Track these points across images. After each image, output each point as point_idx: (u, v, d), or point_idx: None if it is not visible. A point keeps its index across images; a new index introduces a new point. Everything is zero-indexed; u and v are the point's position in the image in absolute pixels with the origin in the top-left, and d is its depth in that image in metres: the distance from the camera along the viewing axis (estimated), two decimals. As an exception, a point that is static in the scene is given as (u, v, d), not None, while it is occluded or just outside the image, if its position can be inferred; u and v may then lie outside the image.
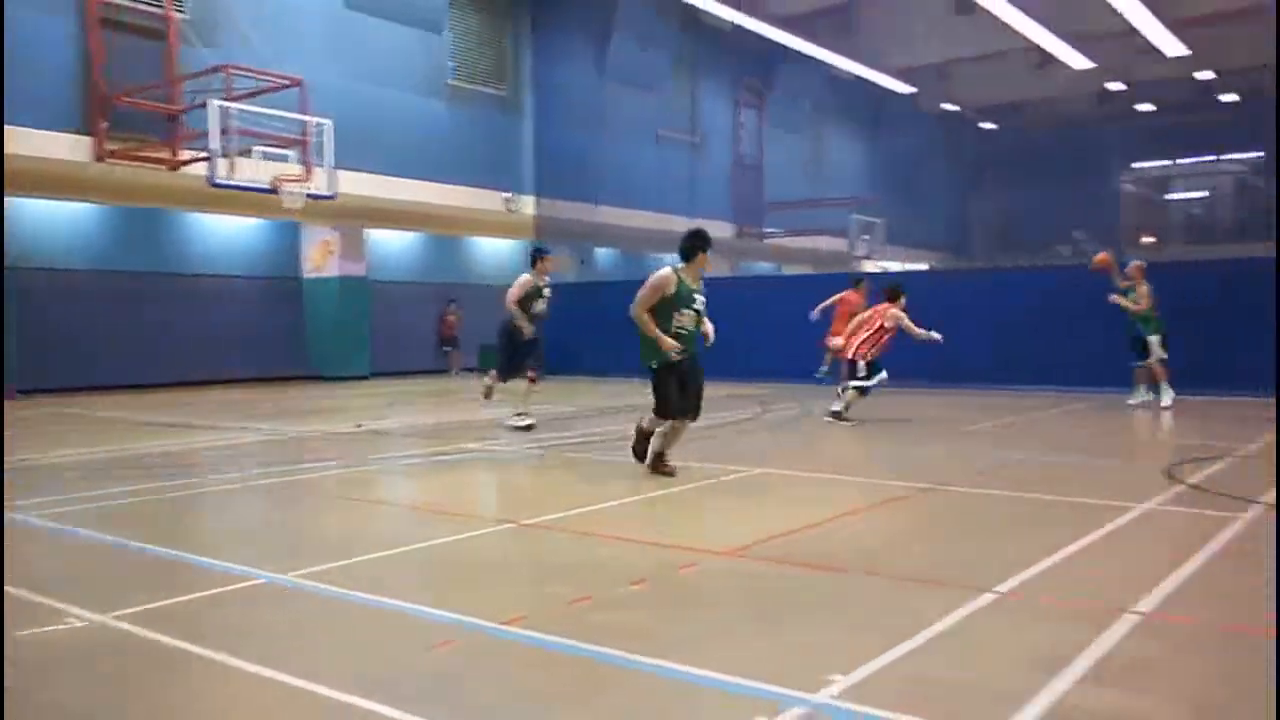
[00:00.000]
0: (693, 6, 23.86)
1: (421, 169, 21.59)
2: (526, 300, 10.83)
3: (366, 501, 7.19)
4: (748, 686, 3.30)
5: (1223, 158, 36.17)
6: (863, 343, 11.40)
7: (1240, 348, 13.83)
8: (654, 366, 7.42)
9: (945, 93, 31.99)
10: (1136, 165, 37.19)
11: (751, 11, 24.03)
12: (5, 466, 8.28)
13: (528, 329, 10.86)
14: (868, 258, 30.40)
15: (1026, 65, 27.37)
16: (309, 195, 16.68)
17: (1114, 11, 21.27)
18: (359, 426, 11.81)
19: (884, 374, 11.46)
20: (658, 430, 7.68)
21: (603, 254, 26.91)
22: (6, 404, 14.12)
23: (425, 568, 5.19)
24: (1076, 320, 15.02)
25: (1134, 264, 13.05)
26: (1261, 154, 34.48)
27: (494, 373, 11.37)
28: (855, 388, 11.40)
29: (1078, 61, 25.45)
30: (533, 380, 11.18)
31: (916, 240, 33.80)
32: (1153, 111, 32.70)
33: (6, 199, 15.97)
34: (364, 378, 21.41)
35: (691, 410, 7.60)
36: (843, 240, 30.37)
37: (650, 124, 26.97)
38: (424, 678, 3.47)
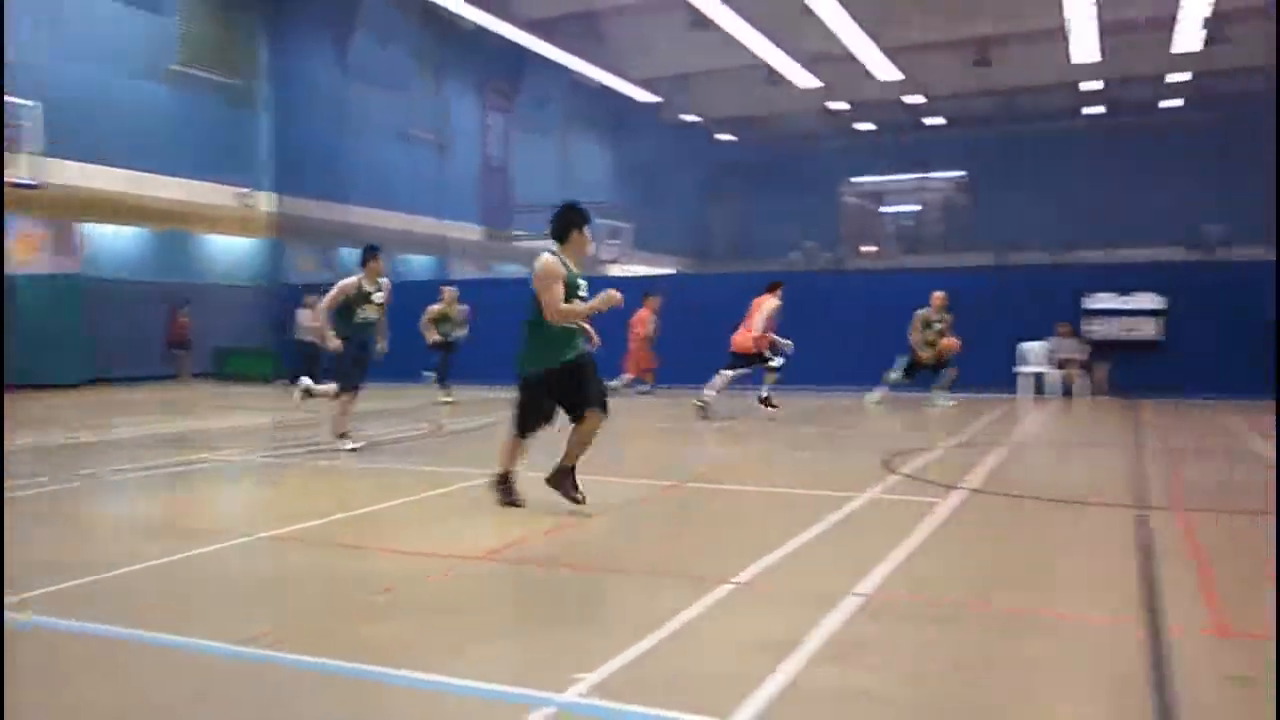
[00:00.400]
0: (434, 5, 23.53)
1: (143, 159, 20.03)
2: (348, 306, 9.46)
3: (87, 518, 6.60)
4: (500, 691, 3.31)
5: (931, 175, 39.73)
6: (760, 336, 12.46)
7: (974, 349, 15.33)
8: (538, 374, 6.20)
9: (686, 104, 33.25)
10: (856, 179, 40.16)
11: (496, 13, 24.01)
12: None
13: (334, 342, 9.38)
14: (615, 261, 31.10)
15: (759, 81, 28.92)
16: (13, 184, 15.10)
17: (834, 35, 22.92)
18: (73, 438, 10.80)
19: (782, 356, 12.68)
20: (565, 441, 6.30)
21: (352, 255, 25.98)
22: None
23: (156, 588, 4.83)
24: (816, 323, 16.00)
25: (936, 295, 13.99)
26: (964, 173, 38.23)
27: (334, 386, 9.72)
28: (772, 369, 12.52)
29: (803, 80, 27.21)
30: (339, 396, 9.65)
31: (662, 245, 34.93)
32: (871, 130, 35.44)
33: None
34: (78, 384, 19.59)
35: (599, 404, 6.23)
36: (591, 244, 30.88)
37: (397, 123, 26.36)
38: (154, 713, 3.24)
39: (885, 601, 4.39)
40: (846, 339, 16.12)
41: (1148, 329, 15.59)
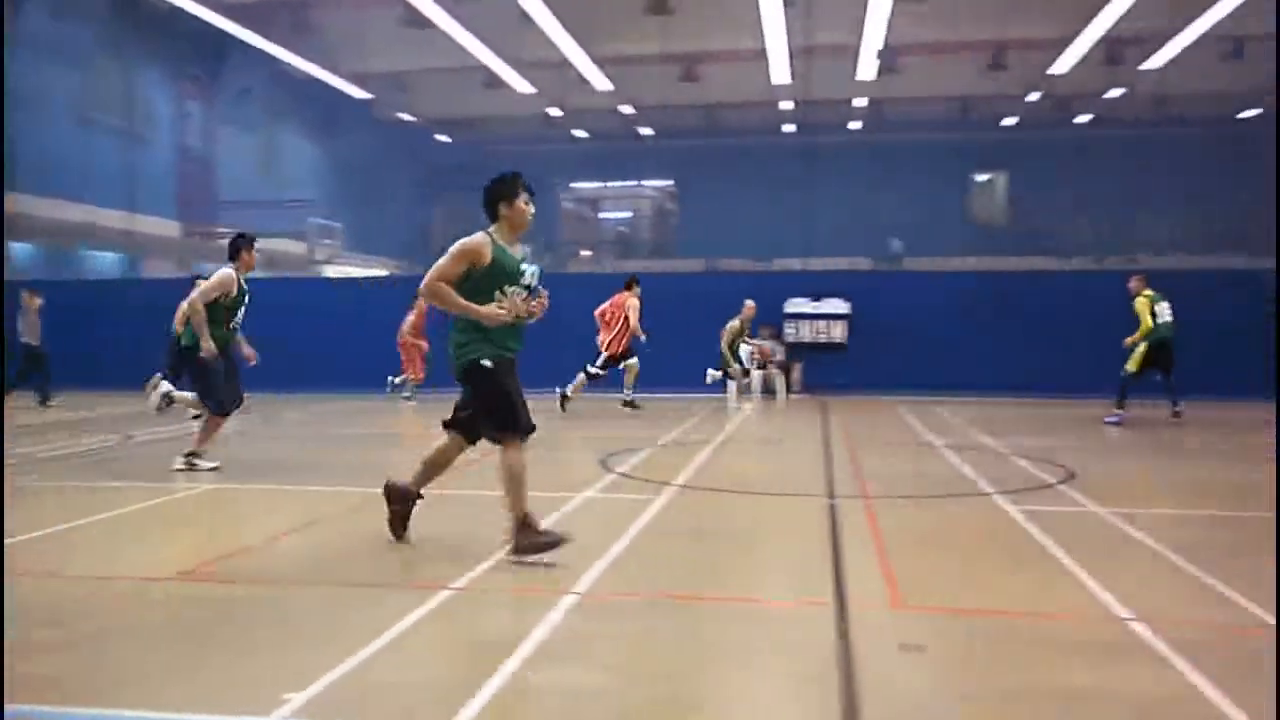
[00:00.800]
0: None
1: None
2: (231, 306, 8.10)
3: None
4: None
5: (644, 183, 41.20)
6: (614, 338, 13.20)
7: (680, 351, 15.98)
8: (484, 365, 5.19)
9: (402, 102, 32.52)
10: (575, 185, 40.93)
11: (194, -6, 22.40)
12: None
13: (210, 347, 7.94)
14: (328, 262, 29.91)
15: (478, 84, 28.78)
16: None
17: (551, 43, 23.23)
18: None
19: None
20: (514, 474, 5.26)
21: (19, 249, 23.29)
22: None
23: None
24: (554, 327, 16.10)
25: None
26: (672, 182, 39.95)
27: (204, 404, 8.34)
28: (591, 374, 13.20)
29: (521, 85, 27.39)
30: (212, 418, 8.39)
31: (378, 247, 33.96)
32: (587, 137, 36.24)
33: None
34: None
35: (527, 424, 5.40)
36: (303, 243, 29.53)
37: (76, 105, 23.94)
38: None
39: (601, 598, 4.51)
40: (565, 342, 16.35)
41: (836, 332, 16.99)
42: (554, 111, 31.73)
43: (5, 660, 3.59)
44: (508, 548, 5.12)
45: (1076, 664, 3.70)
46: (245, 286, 8.27)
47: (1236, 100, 31.18)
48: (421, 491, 5.57)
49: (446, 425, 5.48)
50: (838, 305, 17.08)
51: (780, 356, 16.82)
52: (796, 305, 17.21)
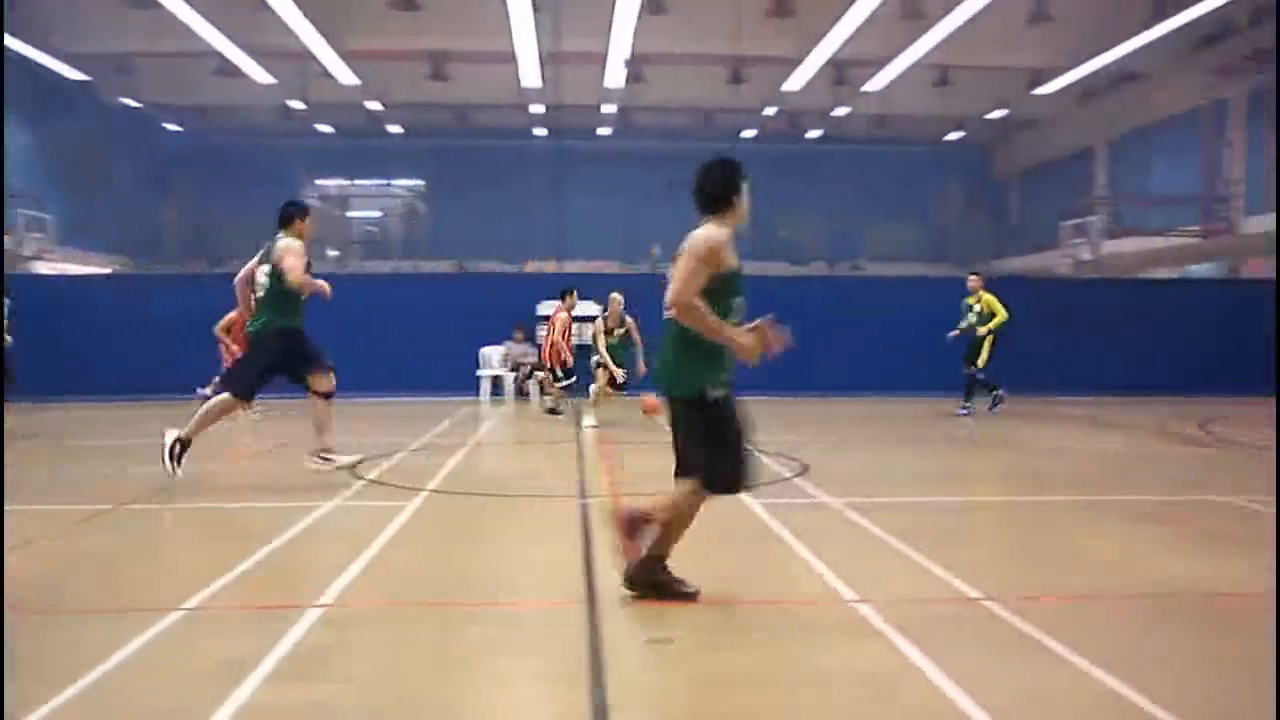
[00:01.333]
0: None
1: None
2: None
3: None
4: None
5: (393, 182, 40.17)
6: (553, 348, 13.06)
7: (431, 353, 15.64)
8: (714, 396, 4.37)
9: (126, 86, 30.03)
10: (321, 182, 39.34)
11: None
12: None
13: (322, 286, 7.63)
14: (39, 258, 27.14)
15: (211, 71, 27.05)
16: None
17: (290, 31, 22.15)
18: None
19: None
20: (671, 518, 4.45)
21: None
22: None
23: None
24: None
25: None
26: (423, 182, 39.19)
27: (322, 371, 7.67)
28: (561, 388, 13.03)
29: (258, 74, 25.95)
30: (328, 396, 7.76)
31: (98, 242, 31.17)
32: (333, 133, 34.87)
33: None
34: None
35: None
36: (9, 237, 26.66)
37: None
38: None
39: (348, 609, 4.37)
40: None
41: (587, 334, 17.19)
42: (296, 104, 30.32)
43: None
44: (625, 575, 4.49)
45: (814, 646, 3.95)
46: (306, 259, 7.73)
47: (945, 123, 34.26)
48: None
49: (679, 474, 4.50)
50: (590, 308, 17.31)
51: (533, 358, 16.87)
52: (548, 307, 17.27)
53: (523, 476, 8.78)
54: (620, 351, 12.59)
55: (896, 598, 4.52)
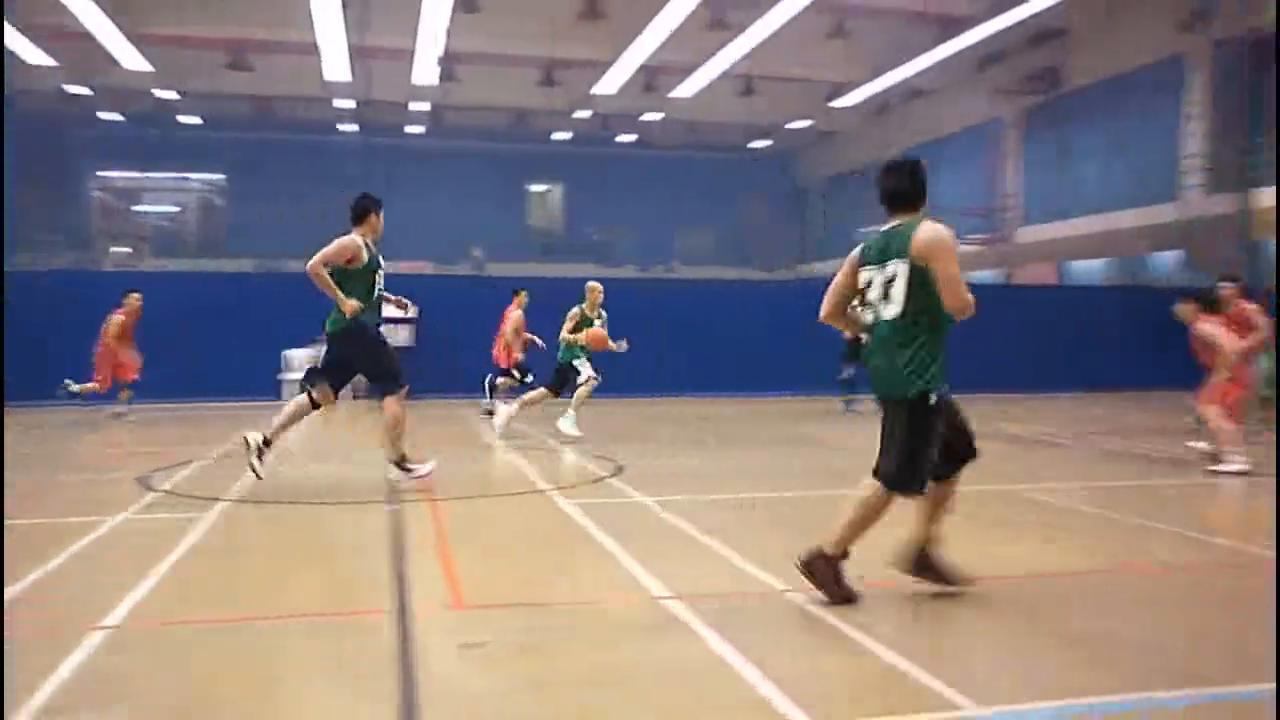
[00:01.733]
0: None
1: None
2: (363, 276, 7.32)
3: None
4: None
5: (189, 176, 38.00)
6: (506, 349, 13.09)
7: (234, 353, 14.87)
8: (933, 402, 4.38)
9: None
10: (107, 174, 36.82)
11: None
12: None
13: (353, 304, 7.28)
14: None
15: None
16: None
17: (67, 10, 20.53)
18: None
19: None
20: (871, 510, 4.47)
21: None
22: None
23: None
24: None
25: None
26: (224, 176, 37.30)
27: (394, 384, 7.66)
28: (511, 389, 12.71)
29: (33, 55, 23.92)
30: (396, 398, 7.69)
31: None
32: (120, 121, 32.67)
33: None
34: None
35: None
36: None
37: None
38: None
39: (135, 630, 4.12)
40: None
41: (403, 335, 16.84)
42: (78, 89, 28.25)
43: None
44: (802, 559, 4.48)
45: (626, 643, 4.01)
46: (376, 253, 7.50)
47: (751, 132, 35.47)
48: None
49: (877, 473, 4.49)
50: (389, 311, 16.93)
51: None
52: (359, 309, 16.83)
53: (330, 482, 8.49)
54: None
55: (704, 592, 4.65)
